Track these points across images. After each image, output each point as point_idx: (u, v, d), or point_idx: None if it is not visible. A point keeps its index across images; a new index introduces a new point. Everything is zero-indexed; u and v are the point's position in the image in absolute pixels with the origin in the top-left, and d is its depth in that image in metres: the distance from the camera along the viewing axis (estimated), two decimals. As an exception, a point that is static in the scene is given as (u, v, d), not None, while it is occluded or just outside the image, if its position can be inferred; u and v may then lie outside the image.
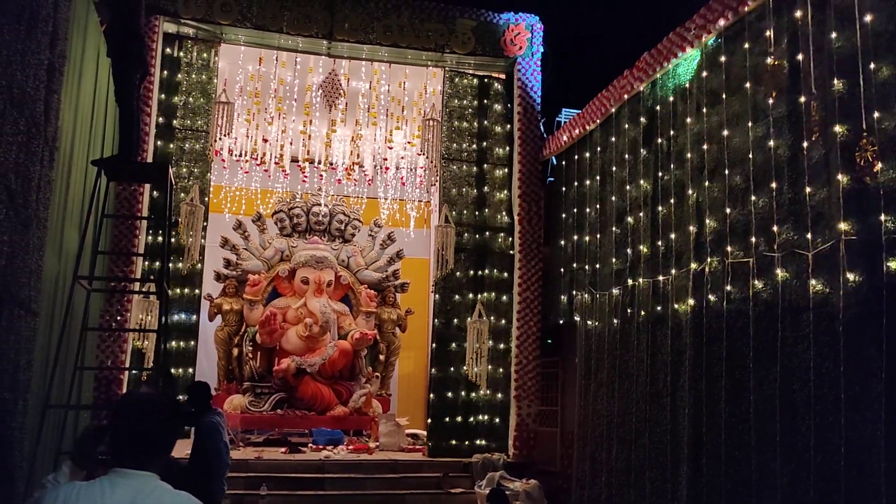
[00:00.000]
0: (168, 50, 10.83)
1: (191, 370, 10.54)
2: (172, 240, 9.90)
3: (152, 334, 9.38)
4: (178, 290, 10.43)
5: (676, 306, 7.79)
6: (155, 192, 10.20)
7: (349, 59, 11.73)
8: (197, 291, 10.76)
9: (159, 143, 10.60)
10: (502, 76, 12.12)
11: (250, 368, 12.46)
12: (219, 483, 5.66)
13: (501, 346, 11.35)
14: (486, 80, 12.06)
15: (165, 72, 10.77)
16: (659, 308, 8.14)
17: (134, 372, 9.61)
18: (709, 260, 7.25)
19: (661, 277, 8.17)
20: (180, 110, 10.84)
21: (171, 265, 10.00)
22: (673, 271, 7.94)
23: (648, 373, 8.20)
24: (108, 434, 2.72)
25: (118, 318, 9.60)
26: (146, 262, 10.13)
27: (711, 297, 7.16)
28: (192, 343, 10.62)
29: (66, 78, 6.32)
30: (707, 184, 7.43)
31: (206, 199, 10.77)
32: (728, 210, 7.05)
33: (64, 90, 6.29)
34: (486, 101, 11.99)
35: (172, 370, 9.84)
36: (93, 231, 6.66)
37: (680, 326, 7.68)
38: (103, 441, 2.79)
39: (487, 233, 11.66)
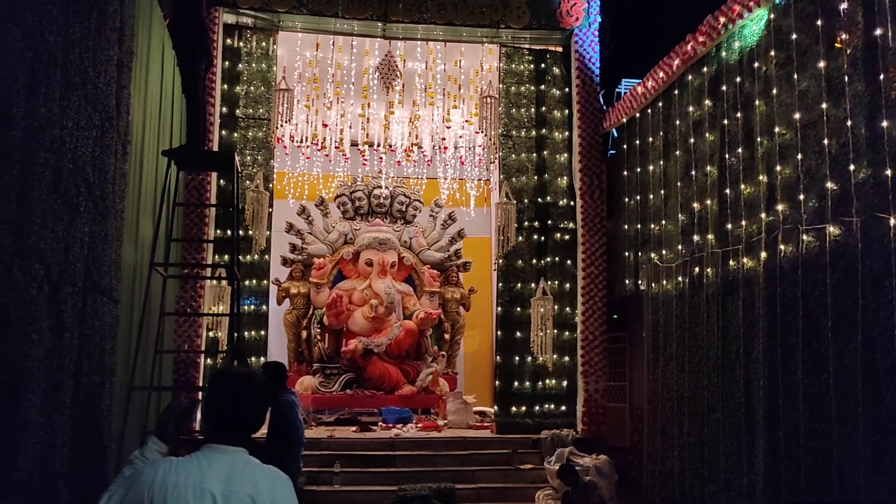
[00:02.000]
0: (228, 40, 11.05)
1: (263, 359, 10.80)
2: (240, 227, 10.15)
3: (225, 318, 9.71)
4: (247, 276, 10.70)
5: (748, 276, 7.57)
6: (222, 181, 10.48)
7: (404, 40, 11.73)
8: (265, 277, 11.02)
9: (224, 132, 10.87)
10: (559, 49, 11.92)
11: (319, 350, 12.74)
12: (295, 460, 5.83)
13: (567, 322, 11.27)
14: (542, 53, 11.89)
15: (227, 62, 10.99)
16: (729, 279, 7.93)
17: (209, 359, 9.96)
18: (782, 227, 7.01)
19: (730, 248, 7.95)
20: (242, 99, 11.07)
21: (239, 251, 10.27)
22: (743, 241, 7.71)
23: (719, 345, 8.02)
24: (193, 413, 2.81)
25: (192, 303, 9.93)
26: (215, 249, 10.45)
27: (785, 266, 6.93)
28: (263, 326, 10.90)
29: (134, 73, 6.52)
30: (778, 150, 7.16)
31: (271, 185, 11.00)
32: (801, 177, 6.79)
33: (133, 84, 6.50)
34: (543, 74, 11.82)
35: (244, 351, 10.14)
36: (166, 220, 6.89)
37: (752, 297, 7.47)
38: (186, 419, 2.89)
39: (549, 208, 11.56)
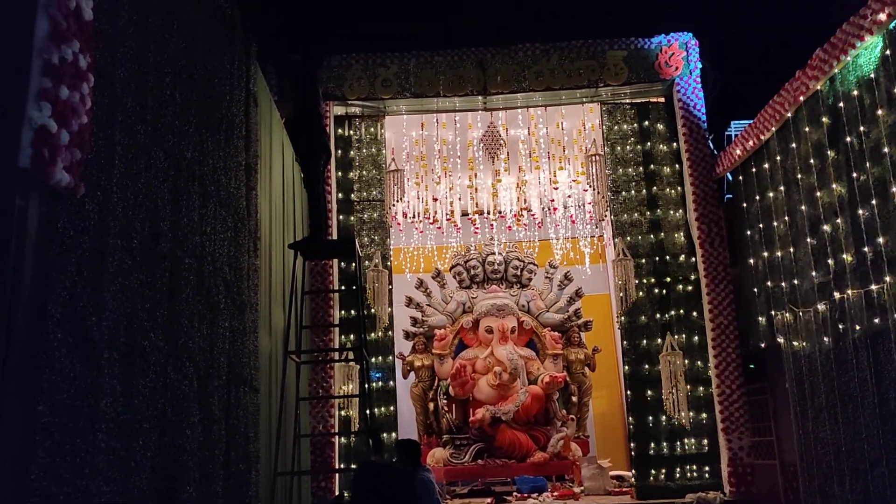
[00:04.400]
0: (339, 130, 11.72)
1: (393, 434, 10.92)
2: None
3: (356, 398, 9.96)
4: (373, 353, 10.97)
5: (898, 316, 7.01)
6: (342, 264, 10.95)
7: (505, 110, 12.02)
8: (390, 352, 11.28)
9: (341, 216, 11.40)
10: (661, 99, 11.81)
11: (447, 421, 12.75)
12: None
13: (700, 377, 10.78)
14: (644, 106, 11.81)
15: (339, 151, 11.62)
16: (877, 320, 7.36)
17: (343, 440, 10.19)
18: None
19: (874, 286, 7.41)
20: (356, 184, 11.63)
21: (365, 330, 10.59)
22: (887, 278, 7.18)
23: (874, 393, 7.40)
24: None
25: (323, 384, 10.28)
26: (342, 328, 10.83)
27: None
28: (391, 400, 11.08)
29: (259, 174, 7.03)
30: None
31: (389, 263, 11.36)
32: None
33: (259, 185, 7.00)
34: (647, 126, 11.72)
35: (377, 430, 10.31)
36: (297, 309, 7.25)
37: (906, 338, 6.90)
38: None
39: (668, 259, 11.25)
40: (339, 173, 11.58)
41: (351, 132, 11.80)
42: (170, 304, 4.53)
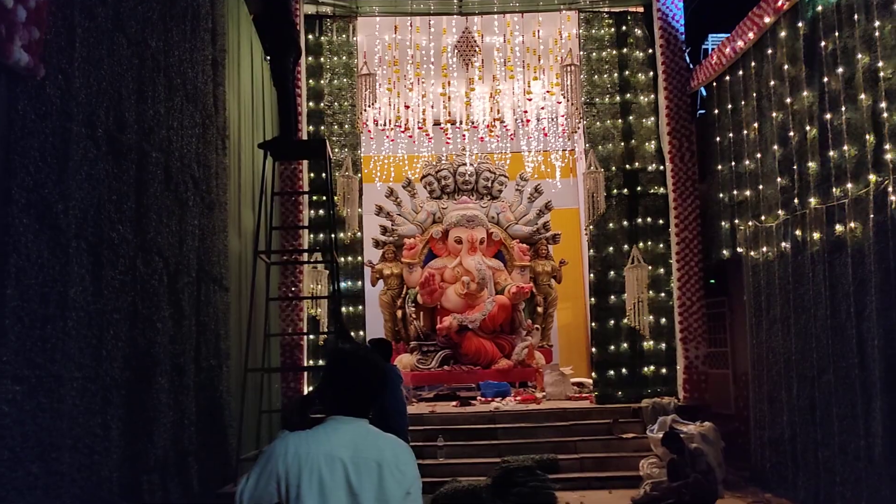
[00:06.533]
0: (310, 36, 11.32)
1: (361, 333, 11.12)
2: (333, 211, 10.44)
3: (324, 301, 10.06)
4: (341, 259, 11.01)
5: (855, 232, 7.21)
6: (312, 174, 10.82)
7: (481, 15, 11.69)
8: (359, 259, 11.31)
9: (311, 127, 11.15)
10: (640, 9, 11.56)
11: (415, 328, 13.02)
12: (403, 431, 6.01)
13: (662, 289, 11.07)
14: (622, 15, 11.58)
15: (310, 57, 11.25)
16: (835, 235, 7.57)
17: (312, 337, 10.37)
18: (893, 176, 6.63)
19: (835, 202, 7.58)
20: (327, 87, 11.33)
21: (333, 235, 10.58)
22: (850, 192, 7.33)
23: (828, 305, 7.68)
24: (312, 401, 2.94)
25: (293, 288, 10.34)
26: (311, 234, 10.82)
27: (897, 218, 6.55)
28: (360, 308, 11.20)
29: (227, 70, 6.81)
30: (884, 93, 6.76)
31: (359, 170, 11.24)
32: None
33: (227, 82, 6.79)
34: (624, 37, 11.53)
35: (348, 329, 10.46)
36: (266, 209, 7.19)
37: (861, 252, 7.11)
38: (308, 407, 3.04)
39: (638, 174, 11.31)
40: (310, 81, 11.26)
41: (322, 36, 11.40)
42: (137, 198, 4.47)
